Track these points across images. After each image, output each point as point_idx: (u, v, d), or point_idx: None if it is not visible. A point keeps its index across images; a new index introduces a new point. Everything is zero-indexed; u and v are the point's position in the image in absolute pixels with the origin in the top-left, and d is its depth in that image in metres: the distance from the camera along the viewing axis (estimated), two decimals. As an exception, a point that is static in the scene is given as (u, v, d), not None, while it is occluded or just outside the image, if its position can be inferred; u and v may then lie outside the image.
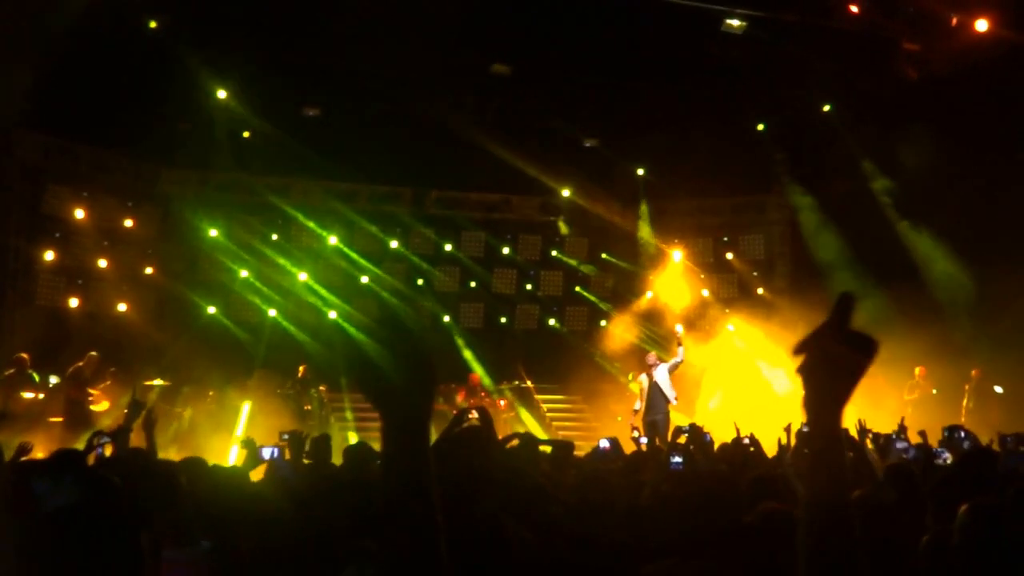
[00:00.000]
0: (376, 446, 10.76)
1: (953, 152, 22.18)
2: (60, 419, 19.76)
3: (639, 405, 21.40)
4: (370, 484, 8.02)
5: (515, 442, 10.28)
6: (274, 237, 27.31)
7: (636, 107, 25.83)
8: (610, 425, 23.93)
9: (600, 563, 5.25)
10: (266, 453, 10.81)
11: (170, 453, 16.44)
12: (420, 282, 29.31)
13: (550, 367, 28.84)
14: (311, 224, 27.56)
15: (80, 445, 11.58)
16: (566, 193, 29.31)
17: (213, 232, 26.42)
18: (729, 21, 21.49)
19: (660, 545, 5.67)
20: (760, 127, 27.35)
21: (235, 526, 6.27)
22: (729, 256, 29.67)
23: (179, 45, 22.55)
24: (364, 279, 28.27)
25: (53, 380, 20.90)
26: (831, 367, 2.74)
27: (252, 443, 11.00)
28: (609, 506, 6.95)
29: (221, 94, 24.15)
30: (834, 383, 2.74)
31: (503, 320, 30.47)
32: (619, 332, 29.28)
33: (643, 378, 21.57)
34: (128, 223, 25.30)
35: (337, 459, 10.71)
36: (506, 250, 30.19)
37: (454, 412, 23.65)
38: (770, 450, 11.31)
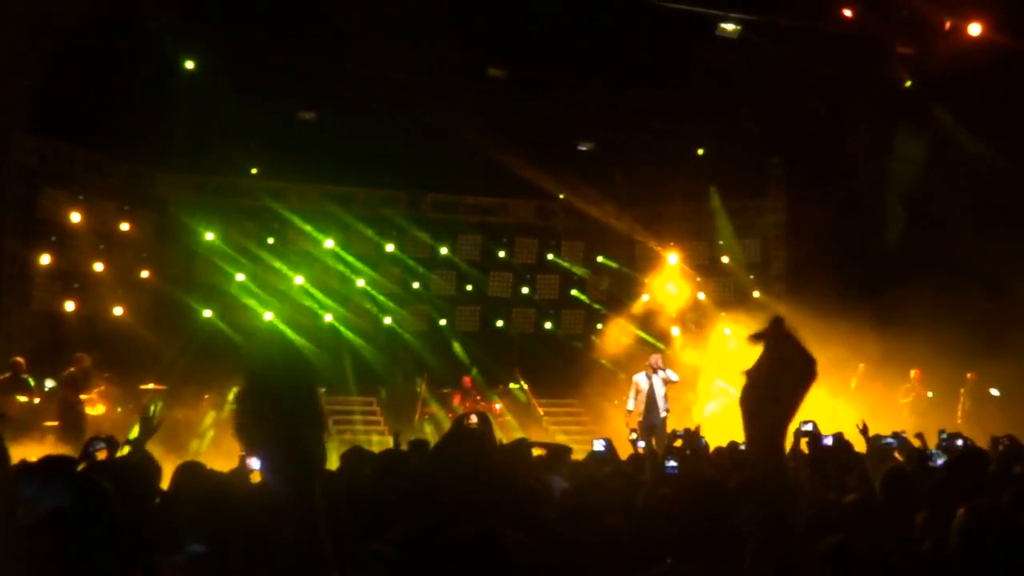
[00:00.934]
0: (375, 449, 10.74)
1: (948, 153, 22.23)
2: (56, 423, 19.74)
3: (632, 405, 21.31)
4: (366, 488, 8.00)
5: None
6: (270, 241, 27.32)
7: (631, 110, 25.80)
8: (606, 428, 23.89)
9: (595, 568, 5.24)
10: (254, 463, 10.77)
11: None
12: (416, 286, 29.28)
13: (546, 370, 28.81)
14: (307, 228, 27.53)
15: (74, 450, 11.53)
16: (561, 196, 29.30)
17: (209, 236, 26.39)
18: (724, 25, 21.50)
19: (654, 549, 5.66)
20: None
21: (229, 530, 6.25)
22: (725, 259, 29.63)
23: (175, 49, 22.58)
24: (360, 283, 28.24)
25: (49, 384, 20.85)
26: (777, 378, 2.73)
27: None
28: (604, 510, 6.92)
29: (217, 97, 24.12)
30: (778, 394, 2.74)
31: (499, 323, 30.46)
32: (615, 335, 29.28)
33: (642, 378, 21.45)
34: (124, 227, 25.26)
35: (334, 463, 10.67)
36: (502, 253, 30.20)
37: (450, 416, 23.80)
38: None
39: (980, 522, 4.74)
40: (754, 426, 2.76)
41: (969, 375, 22.89)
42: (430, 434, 22.95)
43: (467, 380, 26.17)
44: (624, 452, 13.57)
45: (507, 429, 24.83)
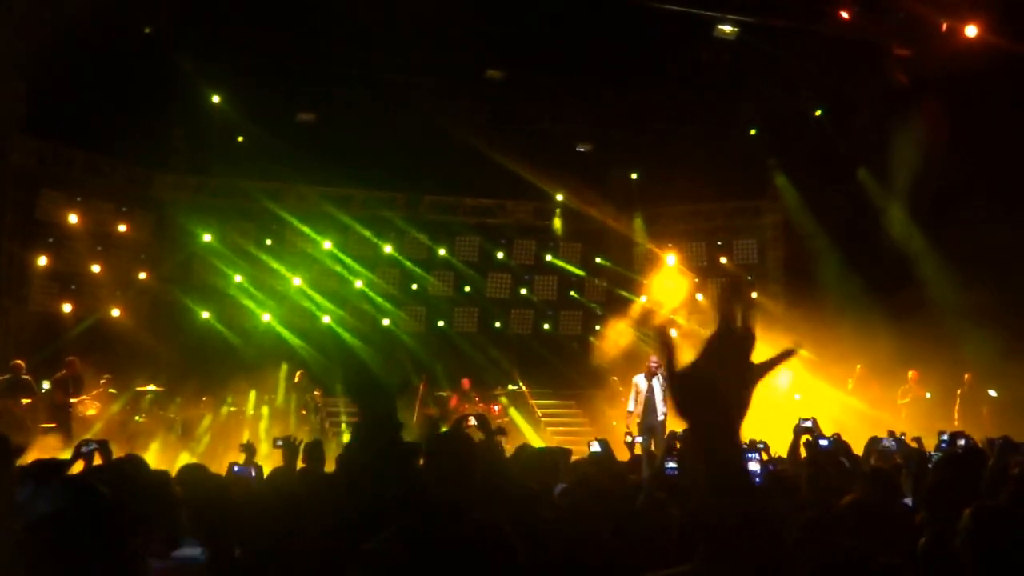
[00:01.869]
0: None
1: (946, 156, 22.23)
2: (52, 425, 19.78)
3: (632, 406, 21.26)
4: (363, 489, 8.00)
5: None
6: (268, 242, 27.31)
7: (629, 112, 25.80)
8: (605, 429, 23.91)
9: (592, 568, 5.23)
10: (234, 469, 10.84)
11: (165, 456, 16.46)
12: (414, 287, 29.28)
13: (544, 371, 28.80)
14: (305, 229, 27.52)
15: (65, 453, 11.51)
16: (560, 198, 29.33)
17: (207, 237, 26.39)
18: (721, 27, 21.50)
19: (653, 551, 5.65)
20: (752, 132, 27.29)
21: (229, 533, 6.25)
22: (723, 260, 29.63)
23: (173, 50, 22.57)
24: (358, 284, 28.23)
25: (45, 386, 20.85)
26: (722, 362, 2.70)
27: (251, 447, 10.98)
28: (601, 511, 6.92)
29: (215, 99, 24.13)
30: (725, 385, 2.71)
31: (497, 324, 30.47)
32: (613, 336, 29.29)
33: (641, 380, 21.39)
34: (122, 228, 25.29)
35: (331, 465, 10.67)
36: (500, 255, 30.20)
37: (448, 417, 23.75)
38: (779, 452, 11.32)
39: (986, 523, 4.75)
40: (703, 431, 2.71)
41: (966, 376, 22.87)
42: (427, 436, 22.93)
43: (465, 382, 26.14)
44: (620, 453, 13.56)
45: (505, 431, 24.82)
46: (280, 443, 11.03)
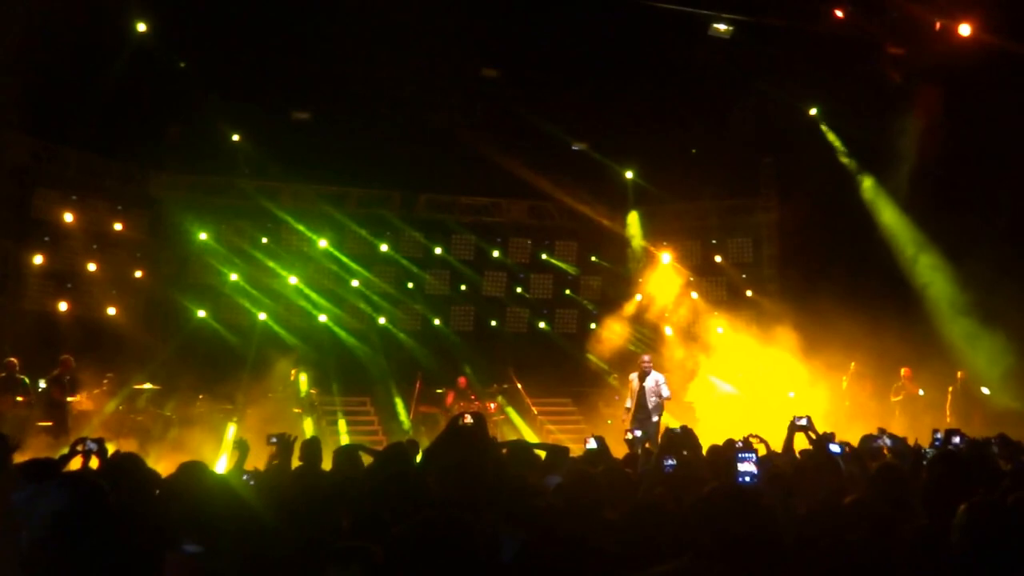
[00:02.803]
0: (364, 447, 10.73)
1: (938, 155, 22.28)
2: (49, 423, 19.76)
3: (630, 403, 21.27)
4: (358, 485, 8.00)
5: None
6: (264, 240, 27.27)
7: (624, 111, 25.77)
8: (601, 427, 23.93)
9: (588, 562, 5.24)
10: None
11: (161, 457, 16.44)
12: (410, 286, 29.27)
13: (540, 369, 28.73)
14: (301, 227, 27.51)
15: (62, 451, 11.47)
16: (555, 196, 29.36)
17: (203, 235, 26.37)
18: (716, 26, 21.51)
19: (651, 549, 5.66)
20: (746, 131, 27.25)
21: (223, 529, 6.24)
22: (717, 259, 29.66)
23: (168, 49, 22.55)
24: (354, 282, 28.22)
25: (42, 385, 20.81)
26: None
27: (244, 444, 10.96)
28: (596, 506, 6.93)
29: (211, 98, 24.09)
30: None
31: (493, 323, 30.50)
32: (608, 334, 29.32)
33: (634, 377, 21.40)
34: (117, 227, 25.26)
35: (327, 462, 10.66)
36: (496, 253, 30.21)
37: (444, 415, 23.77)
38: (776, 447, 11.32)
39: (981, 518, 4.77)
40: None
41: (959, 373, 22.90)
42: (424, 434, 22.95)
43: (462, 380, 26.12)
44: (616, 450, 13.55)
45: (502, 428, 24.84)
46: (274, 440, 11.02)
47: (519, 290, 30.83)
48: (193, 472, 8.08)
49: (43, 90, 20.96)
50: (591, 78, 24.39)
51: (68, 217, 24.03)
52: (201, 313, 26.30)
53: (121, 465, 8.01)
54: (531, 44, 22.82)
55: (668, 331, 29.26)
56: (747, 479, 9.16)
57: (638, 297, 30.03)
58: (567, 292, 31.24)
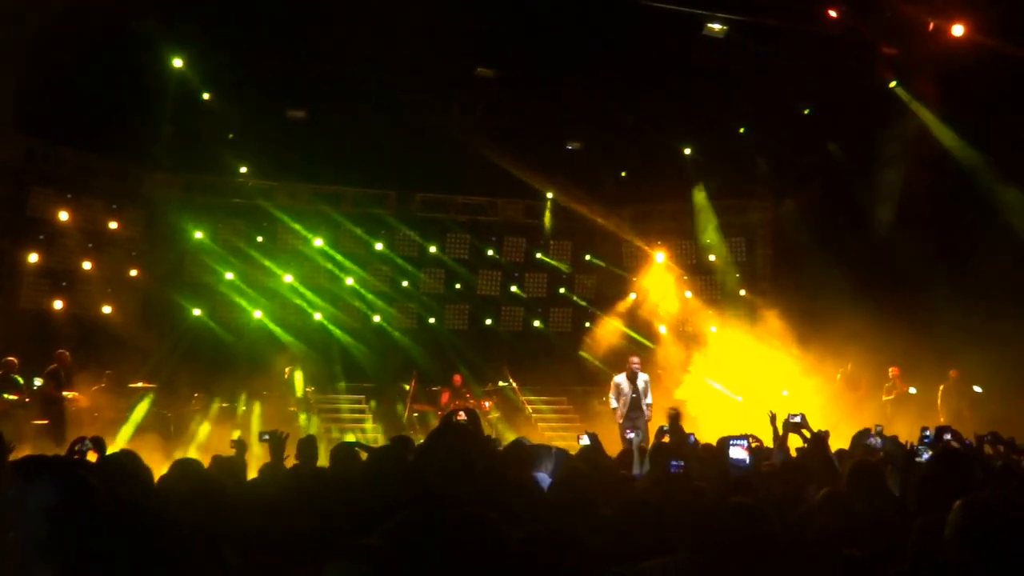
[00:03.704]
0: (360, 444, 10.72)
1: (933, 154, 22.32)
2: (45, 421, 19.74)
3: (615, 403, 21.35)
4: (354, 483, 7.99)
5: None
6: (259, 239, 27.26)
7: (619, 110, 25.76)
8: (595, 424, 23.91)
9: (583, 558, 5.24)
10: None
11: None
12: (405, 284, 29.26)
13: (535, 368, 28.73)
14: (296, 226, 27.50)
15: (56, 445, 11.43)
16: (550, 195, 29.36)
17: (198, 234, 26.37)
18: (710, 25, 21.50)
19: (646, 545, 5.66)
20: (741, 130, 27.21)
21: (220, 526, 6.23)
22: (712, 258, 29.68)
23: (165, 47, 22.55)
24: (349, 281, 28.21)
25: (37, 382, 20.77)
26: None
27: (242, 444, 10.95)
28: (592, 504, 6.93)
29: (205, 96, 24.06)
30: None
31: (488, 321, 30.51)
32: (603, 333, 29.37)
33: (623, 379, 21.46)
34: (113, 225, 25.26)
35: (324, 460, 10.66)
36: (491, 252, 30.22)
37: (439, 413, 23.77)
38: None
39: (975, 515, 4.79)
40: None
41: (952, 373, 22.90)
42: (419, 432, 22.94)
43: (457, 378, 26.14)
44: (610, 447, 13.54)
45: (497, 427, 24.85)
46: (266, 437, 10.99)
47: (514, 289, 30.84)
48: (186, 470, 8.08)
49: (38, 89, 20.92)
50: (586, 78, 24.36)
51: (63, 216, 24.03)
52: (196, 312, 26.30)
53: (117, 461, 8.01)
54: (527, 43, 22.80)
55: (662, 330, 29.29)
56: (739, 465, 9.19)
57: (632, 296, 30.09)
58: (562, 291, 31.25)
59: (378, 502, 6.54)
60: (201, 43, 22.44)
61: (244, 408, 23.64)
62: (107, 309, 24.68)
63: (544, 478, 8.79)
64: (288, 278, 27.32)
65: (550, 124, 26.56)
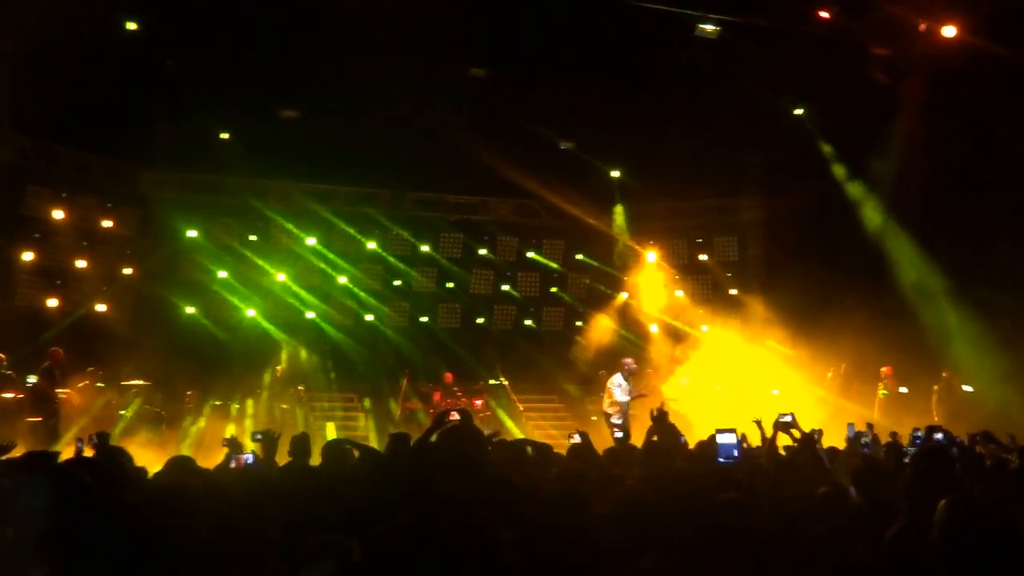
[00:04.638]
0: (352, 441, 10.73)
1: (924, 154, 22.34)
2: (39, 418, 19.71)
3: (619, 396, 21.43)
4: (347, 480, 8.00)
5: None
6: (252, 238, 27.22)
7: (611, 110, 25.73)
8: (586, 423, 23.93)
9: (580, 555, 5.26)
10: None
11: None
12: (398, 283, 29.26)
13: (527, 366, 28.76)
14: (289, 225, 27.49)
15: (49, 441, 11.43)
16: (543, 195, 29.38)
17: (192, 233, 26.33)
18: (703, 26, 21.53)
19: (642, 542, 5.67)
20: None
21: (205, 523, 6.24)
22: (703, 257, 29.73)
23: (158, 47, 22.53)
24: (342, 280, 28.20)
25: (31, 380, 20.74)
26: None
27: (236, 442, 10.97)
28: (587, 502, 6.95)
29: (200, 96, 24.04)
30: None
31: (480, 320, 30.53)
32: (595, 332, 29.38)
33: (619, 379, 21.52)
34: (107, 224, 25.24)
35: (316, 457, 10.66)
36: (483, 251, 30.22)
37: (430, 411, 23.78)
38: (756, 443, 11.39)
39: (960, 514, 4.81)
40: None
41: (945, 373, 22.88)
42: (411, 430, 22.92)
43: (448, 376, 26.15)
44: (600, 446, 13.55)
45: (488, 425, 24.82)
46: (259, 437, 11.01)
47: (506, 288, 30.84)
48: (181, 468, 8.10)
49: (34, 88, 20.91)
50: (579, 78, 24.35)
51: (58, 214, 24.02)
52: (190, 310, 26.28)
53: (110, 458, 8.01)
54: (519, 43, 22.80)
55: (653, 329, 29.30)
56: (726, 457, 9.23)
57: (624, 295, 30.11)
58: (553, 290, 31.27)
59: (373, 500, 6.55)
60: (196, 42, 22.41)
61: (238, 406, 23.64)
62: (101, 307, 24.66)
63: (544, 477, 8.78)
64: (281, 276, 27.29)
65: (542, 124, 26.54)
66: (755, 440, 11.39)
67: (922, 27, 21.25)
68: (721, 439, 9.60)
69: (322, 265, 28.11)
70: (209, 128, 25.02)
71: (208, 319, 26.56)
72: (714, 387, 25.57)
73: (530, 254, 30.81)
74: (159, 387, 22.91)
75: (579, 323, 30.81)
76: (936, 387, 23.00)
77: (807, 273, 24.37)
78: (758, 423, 11.27)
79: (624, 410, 21.40)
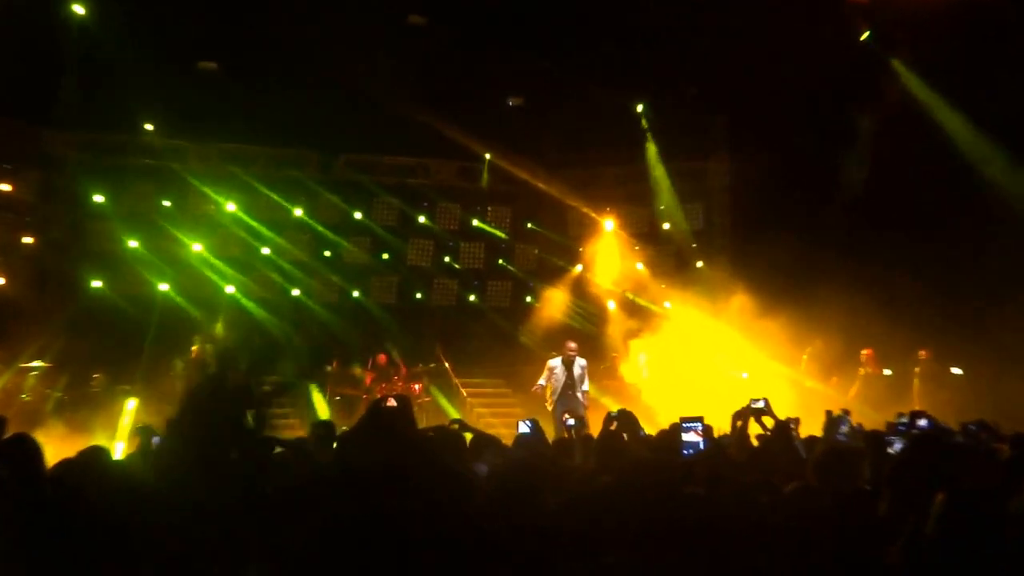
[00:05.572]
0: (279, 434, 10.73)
1: (901, 120, 22.49)
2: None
3: (543, 382, 21.42)
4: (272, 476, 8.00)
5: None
6: (166, 204, 27.05)
7: (565, 65, 25.70)
8: (535, 410, 23.97)
9: (526, 551, 5.29)
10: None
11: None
12: (327, 254, 29.15)
13: (470, 347, 28.79)
14: (207, 190, 27.33)
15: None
16: (488, 156, 29.30)
17: (99, 198, 26.14)
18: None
19: (595, 535, 5.72)
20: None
21: (129, 523, 6.23)
22: (665, 226, 29.76)
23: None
24: (265, 250, 28.07)
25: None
26: None
27: (149, 430, 10.91)
28: (536, 494, 6.98)
29: (109, 48, 23.83)
30: None
31: (419, 295, 30.50)
32: (546, 308, 29.36)
33: (557, 363, 21.49)
34: (5, 187, 25.01)
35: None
36: (422, 219, 30.17)
37: (364, 396, 23.72)
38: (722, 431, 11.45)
39: (961, 508, 4.87)
40: None
41: (922, 353, 22.97)
42: (343, 419, 22.88)
43: (382, 357, 26.05)
44: (551, 433, 13.62)
45: (428, 411, 24.82)
46: (137, 432, 11.01)
47: (447, 259, 30.84)
48: (94, 458, 8.06)
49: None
50: (529, 29, 24.30)
51: (-50, 178, 23.84)
52: (97, 283, 26.06)
53: (14, 447, 7.96)
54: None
55: (611, 305, 29.32)
56: (691, 450, 9.29)
57: (578, 267, 30.10)
58: (500, 262, 31.27)
59: (292, 497, 6.57)
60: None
61: (149, 390, 23.50)
62: (-2, 279, 24.51)
63: (483, 468, 8.82)
64: (197, 247, 27.11)
65: (488, 79, 26.47)
66: (724, 427, 11.45)
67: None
68: (686, 437, 9.66)
69: (243, 234, 27.94)
70: (119, 83, 24.79)
71: (116, 293, 26.35)
72: (677, 369, 25.63)
73: (474, 222, 30.79)
74: (62, 369, 22.75)
75: (529, 299, 30.80)
76: (916, 369, 23.15)
77: (778, 243, 24.48)
78: (758, 418, 11.26)
79: (557, 396, 21.31)
